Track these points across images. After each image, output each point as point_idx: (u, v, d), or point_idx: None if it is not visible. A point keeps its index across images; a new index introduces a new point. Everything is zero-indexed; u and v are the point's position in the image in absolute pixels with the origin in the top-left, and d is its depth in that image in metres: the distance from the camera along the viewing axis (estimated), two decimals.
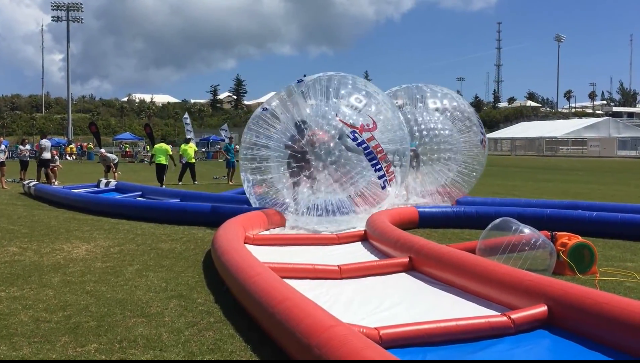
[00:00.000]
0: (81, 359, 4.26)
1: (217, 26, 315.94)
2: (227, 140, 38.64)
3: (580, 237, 7.09)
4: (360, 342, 3.54)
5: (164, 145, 22.83)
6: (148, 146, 60.19)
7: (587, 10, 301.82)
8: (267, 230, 9.62)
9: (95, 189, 17.96)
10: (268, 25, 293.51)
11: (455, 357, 4.12)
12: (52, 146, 24.38)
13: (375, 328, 4.24)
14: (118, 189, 17.77)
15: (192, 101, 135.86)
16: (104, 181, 19.00)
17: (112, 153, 23.63)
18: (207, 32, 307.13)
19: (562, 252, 6.81)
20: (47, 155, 21.70)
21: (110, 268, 7.30)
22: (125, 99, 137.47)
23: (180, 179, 22.74)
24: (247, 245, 7.65)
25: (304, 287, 5.75)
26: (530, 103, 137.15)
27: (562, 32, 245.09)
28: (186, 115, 41.70)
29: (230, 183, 22.59)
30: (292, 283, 5.60)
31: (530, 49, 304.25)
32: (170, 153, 22.18)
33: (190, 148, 23.26)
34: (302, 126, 9.83)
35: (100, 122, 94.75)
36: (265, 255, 7.39)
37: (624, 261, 7.73)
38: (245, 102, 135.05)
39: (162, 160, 21.59)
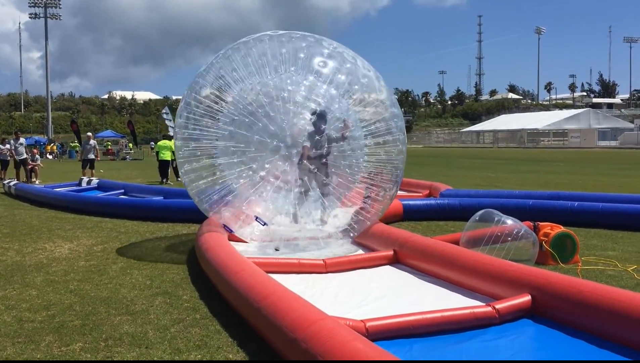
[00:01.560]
0: (66, 358, 4.23)
1: (195, 22, 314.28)
2: None
3: (562, 227, 7.16)
4: (347, 334, 3.55)
5: (167, 141, 22.63)
6: (130, 144, 59.78)
7: (567, 2, 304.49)
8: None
9: (77, 187, 17.80)
10: (247, 20, 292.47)
11: (441, 347, 4.15)
12: (29, 144, 24.43)
13: (362, 321, 4.25)
14: (100, 187, 17.62)
15: (174, 97, 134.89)
16: (85, 179, 18.82)
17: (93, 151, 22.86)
18: (185, 28, 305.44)
19: (545, 242, 6.88)
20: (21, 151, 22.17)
21: (94, 267, 7.24)
22: (106, 96, 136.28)
23: (177, 176, 22.57)
24: (231, 242, 7.63)
25: (290, 282, 5.76)
26: (511, 95, 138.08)
27: (542, 24, 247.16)
28: (166, 109, 40.40)
29: None
30: (278, 277, 5.60)
31: (511, 41, 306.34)
32: (174, 149, 21.84)
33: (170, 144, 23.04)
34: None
35: (80, 120, 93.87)
36: (249, 250, 7.39)
37: (606, 249, 7.83)
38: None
39: (167, 156, 21.62)
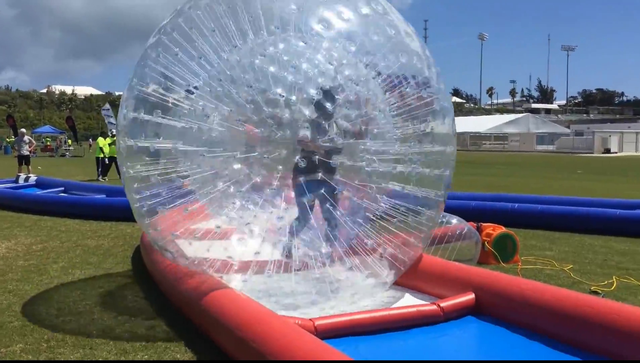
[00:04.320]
0: (6, 359, 4.09)
1: (139, 17, 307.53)
2: None
3: (503, 227, 7.39)
4: (296, 333, 3.57)
5: (102, 140, 22.96)
6: (70, 140, 57.97)
7: (509, 10, 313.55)
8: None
9: (14, 184, 17.16)
10: None
11: (387, 344, 4.22)
12: None
13: (310, 320, 4.27)
14: (38, 184, 17.04)
15: (117, 93, 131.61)
16: (22, 176, 18.17)
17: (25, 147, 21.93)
18: (129, 22, 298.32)
19: (487, 242, 7.08)
20: None
21: (34, 266, 7.01)
22: (44, 90, 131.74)
23: (119, 174, 22.12)
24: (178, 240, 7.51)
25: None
26: (455, 99, 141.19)
27: (486, 30, 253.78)
28: (107, 106, 39.20)
29: None
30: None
31: (455, 46, 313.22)
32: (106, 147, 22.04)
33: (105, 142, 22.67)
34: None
35: (17, 114, 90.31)
36: (198, 249, 7.29)
37: (544, 250, 8.12)
38: None
39: (101, 153, 22.00)
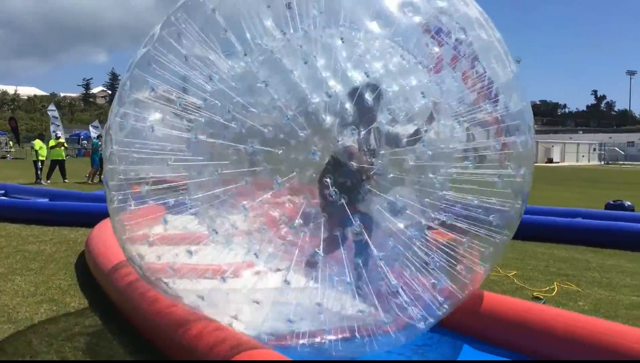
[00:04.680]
0: None
1: (87, 16, 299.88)
2: (94, 137, 35.82)
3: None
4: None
5: (40, 142, 22.51)
6: (11, 142, 55.99)
7: None
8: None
9: None
10: (142, 18, 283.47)
11: None
12: None
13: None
14: None
15: (62, 94, 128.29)
16: None
17: None
18: (76, 22, 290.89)
19: None
20: None
21: None
22: None
23: (63, 178, 21.63)
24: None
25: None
26: None
27: None
28: (52, 106, 38.01)
29: (89, 183, 21.57)
30: (183, 282, 5.41)
31: None
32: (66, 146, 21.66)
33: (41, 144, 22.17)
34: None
35: None
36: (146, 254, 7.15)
37: None
38: None
39: (42, 156, 21.65)
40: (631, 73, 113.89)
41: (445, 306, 3.82)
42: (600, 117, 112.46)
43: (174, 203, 3.65)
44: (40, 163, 21.67)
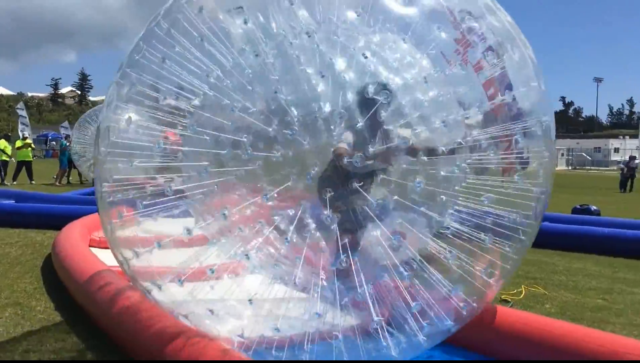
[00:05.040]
0: None
1: (56, 15, 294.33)
2: (63, 138, 35.08)
3: None
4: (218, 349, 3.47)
5: (4, 142, 21.90)
6: None
7: None
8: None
9: None
10: (113, 18, 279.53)
11: None
12: None
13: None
14: None
15: (30, 94, 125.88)
16: None
17: None
18: (44, 21, 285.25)
19: None
20: None
21: None
22: None
23: (30, 179, 21.26)
24: (92, 249, 7.26)
25: None
26: None
27: None
28: (21, 105, 37.32)
29: (57, 184, 21.26)
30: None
31: None
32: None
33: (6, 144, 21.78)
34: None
35: None
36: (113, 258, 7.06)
37: None
38: (91, 98, 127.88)
39: (5, 157, 21.26)
40: (598, 80, 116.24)
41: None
42: (568, 123, 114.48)
43: (162, 204, 3.53)
44: (5, 164, 21.26)
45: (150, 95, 3.63)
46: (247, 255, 3.42)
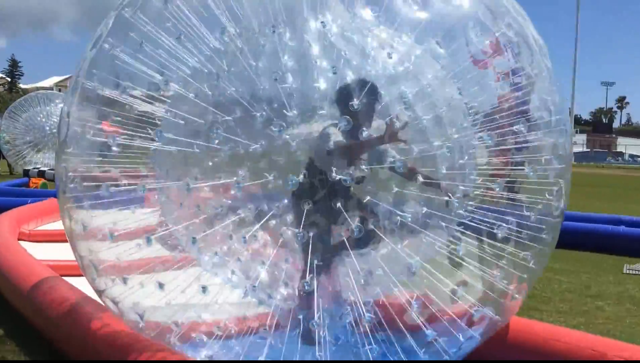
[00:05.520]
0: None
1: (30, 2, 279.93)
2: None
3: None
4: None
5: None
6: None
7: None
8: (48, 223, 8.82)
9: None
10: (44, 3, 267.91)
11: None
12: None
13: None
14: None
15: None
16: None
17: None
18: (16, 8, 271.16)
19: None
20: None
21: None
22: None
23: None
24: (21, 242, 7.01)
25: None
26: None
27: None
28: None
29: None
30: (76, 281, 5.20)
31: None
32: None
33: None
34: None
35: None
36: (44, 252, 6.83)
37: None
38: (22, 86, 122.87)
39: None
40: None
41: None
42: None
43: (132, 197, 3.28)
44: None
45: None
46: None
